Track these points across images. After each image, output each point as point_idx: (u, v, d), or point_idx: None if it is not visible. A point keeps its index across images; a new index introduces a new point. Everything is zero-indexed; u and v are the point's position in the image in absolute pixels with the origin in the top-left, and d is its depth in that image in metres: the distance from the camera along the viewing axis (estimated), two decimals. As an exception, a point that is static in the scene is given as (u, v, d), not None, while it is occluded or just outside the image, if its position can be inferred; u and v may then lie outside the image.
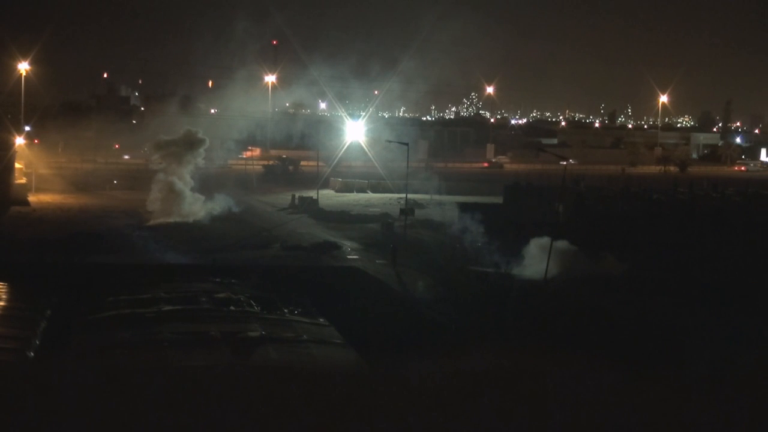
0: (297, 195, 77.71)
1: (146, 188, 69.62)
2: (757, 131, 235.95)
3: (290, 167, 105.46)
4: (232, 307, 24.32)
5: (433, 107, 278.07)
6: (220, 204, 68.08)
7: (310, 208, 73.13)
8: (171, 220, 63.18)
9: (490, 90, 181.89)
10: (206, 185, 70.40)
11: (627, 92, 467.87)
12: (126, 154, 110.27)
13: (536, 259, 44.52)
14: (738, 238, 51.80)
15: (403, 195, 68.21)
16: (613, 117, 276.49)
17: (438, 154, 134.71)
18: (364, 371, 19.09)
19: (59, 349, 20.40)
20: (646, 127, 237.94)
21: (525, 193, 71.66)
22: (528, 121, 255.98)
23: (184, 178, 68.00)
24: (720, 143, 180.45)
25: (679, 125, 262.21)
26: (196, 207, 66.45)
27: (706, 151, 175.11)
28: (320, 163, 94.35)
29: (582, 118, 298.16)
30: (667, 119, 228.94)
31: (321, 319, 24.82)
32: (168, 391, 10.61)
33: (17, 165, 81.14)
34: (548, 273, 42.15)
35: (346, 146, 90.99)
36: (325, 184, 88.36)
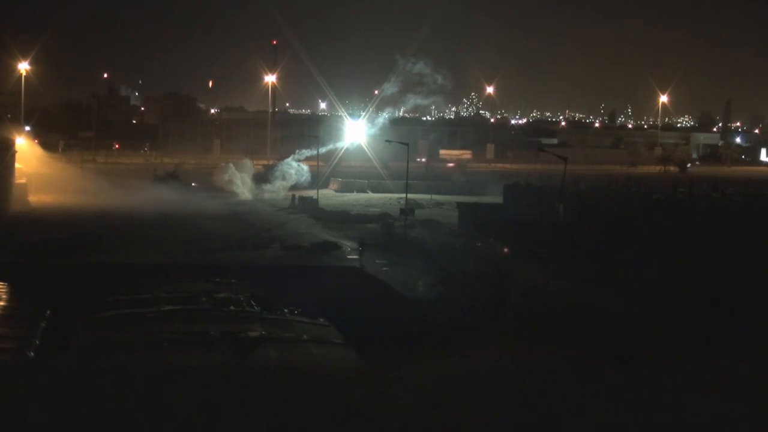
0: (297, 195, 77.70)
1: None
2: (757, 131, 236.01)
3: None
4: (232, 307, 24.33)
5: (433, 107, 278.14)
6: None
7: (310, 208, 73.10)
8: None
9: (490, 90, 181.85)
10: None
11: (627, 92, 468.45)
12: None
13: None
14: (738, 238, 51.68)
15: (403, 195, 68.19)
16: (613, 117, 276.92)
17: (438, 155, 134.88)
18: (364, 371, 19.08)
19: (59, 349, 20.40)
20: (646, 127, 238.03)
21: (525, 193, 71.53)
22: (528, 121, 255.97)
23: None
24: (720, 143, 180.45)
25: (679, 125, 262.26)
26: None
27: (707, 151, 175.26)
28: (320, 163, 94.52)
29: (582, 118, 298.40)
30: (667, 119, 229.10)
31: (321, 319, 24.84)
32: (168, 391, 10.61)
33: (17, 165, 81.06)
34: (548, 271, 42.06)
35: (345, 146, 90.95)
36: (326, 184, 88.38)
